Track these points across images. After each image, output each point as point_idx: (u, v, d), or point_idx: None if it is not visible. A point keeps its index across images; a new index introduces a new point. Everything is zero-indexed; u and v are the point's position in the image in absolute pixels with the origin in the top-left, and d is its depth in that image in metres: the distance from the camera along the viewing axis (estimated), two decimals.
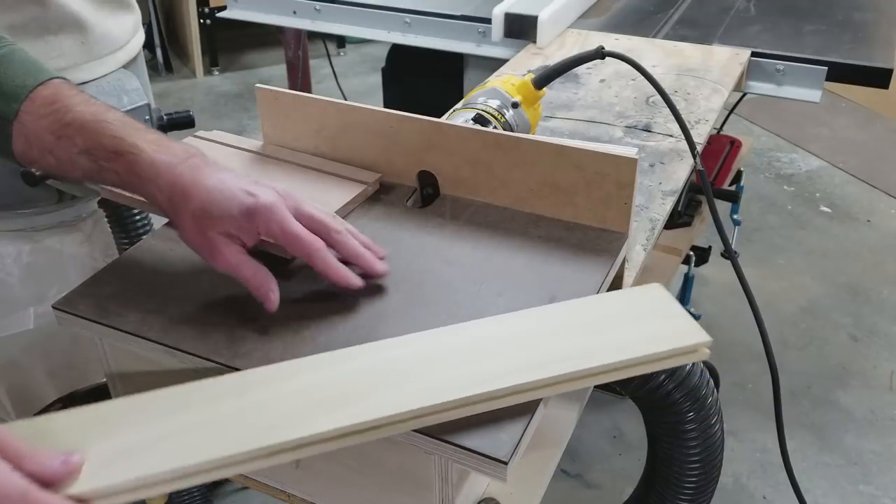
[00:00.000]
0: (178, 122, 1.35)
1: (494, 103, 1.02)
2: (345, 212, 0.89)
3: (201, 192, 0.71)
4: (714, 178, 1.89)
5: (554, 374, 0.63)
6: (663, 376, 0.83)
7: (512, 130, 1.02)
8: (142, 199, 0.77)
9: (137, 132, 0.75)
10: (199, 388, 0.63)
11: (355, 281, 0.74)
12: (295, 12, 1.82)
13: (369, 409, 0.60)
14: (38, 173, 1.17)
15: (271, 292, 0.72)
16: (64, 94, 0.76)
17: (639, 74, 1.09)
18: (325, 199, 0.89)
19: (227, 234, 0.72)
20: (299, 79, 2.81)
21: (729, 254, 1.16)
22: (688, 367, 0.84)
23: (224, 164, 0.77)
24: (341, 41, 4.33)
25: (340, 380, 0.64)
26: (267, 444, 0.58)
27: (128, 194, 0.82)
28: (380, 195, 0.94)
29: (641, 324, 0.68)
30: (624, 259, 0.87)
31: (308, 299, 0.77)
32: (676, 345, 0.65)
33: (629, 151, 0.82)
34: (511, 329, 0.69)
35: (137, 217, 1.27)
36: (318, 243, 0.73)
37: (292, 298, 0.77)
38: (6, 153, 0.77)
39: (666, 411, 0.87)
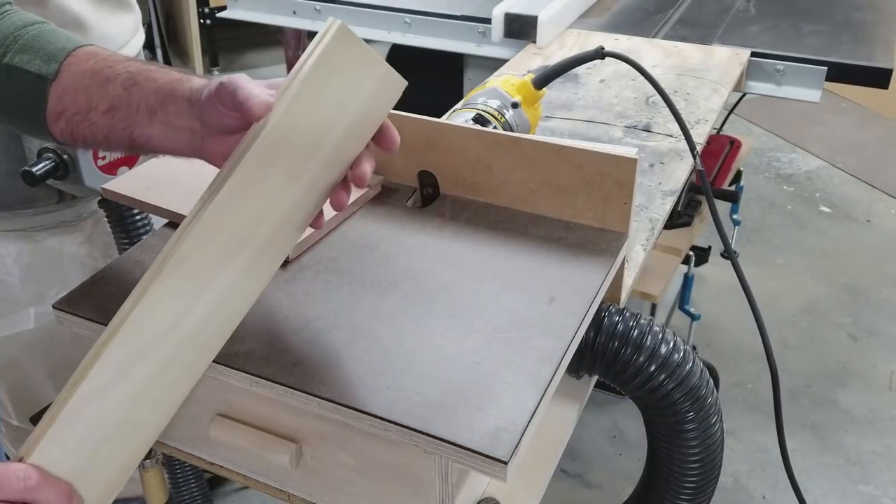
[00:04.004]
0: None
1: (494, 103, 1.02)
2: (346, 213, 0.89)
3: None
4: (714, 178, 1.89)
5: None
6: (663, 376, 0.83)
7: (512, 130, 1.02)
8: (159, 134, 0.74)
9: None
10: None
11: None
12: (295, 12, 1.82)
13: None
14: (38, 173, 1.17)
15: None
16: (106, 52, 0.77)
17: (639, 74, 1.09)
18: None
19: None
20: None
21: (729, 254, 1.17)
22: (687, 366, 0.84)
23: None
24: None
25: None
26: None
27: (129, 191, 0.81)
28: (380, 195, 0.94)
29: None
30: (624, 259, 0.87)
31: (309, 300, 0.77)
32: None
33: (629, 151, 0.82)
34: None
35: (137, 217, 1.27)
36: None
37: (291, 299, 0.77)
38: (36, 119, 0.77)
39: (666, 411, 0.87)
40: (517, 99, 1.04)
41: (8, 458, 1.36)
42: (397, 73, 0.69)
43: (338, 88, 0.65)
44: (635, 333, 0.83)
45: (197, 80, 0.72)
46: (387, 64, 0.68)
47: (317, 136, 0.66)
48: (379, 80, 0.68)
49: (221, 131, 0.69)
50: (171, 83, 0.72)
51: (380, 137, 0.72)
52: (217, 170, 0.66)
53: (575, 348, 0.74)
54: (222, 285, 0.64)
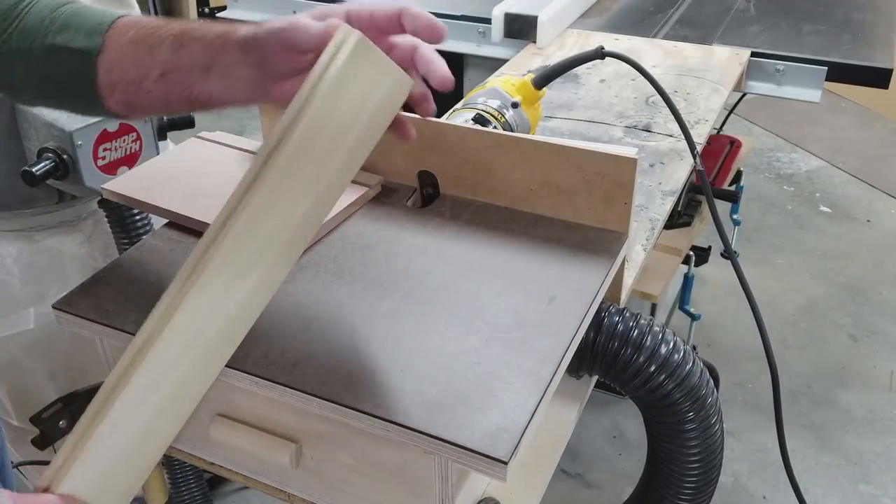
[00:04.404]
0: (178, 123, 1.35)
1: (494, 103, 1.02)
2: (346, 213, 0.89)
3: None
4: (714, 178, 1.89)
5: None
6: (663, 376, 0.83)
7: (512, 130, 1.02)
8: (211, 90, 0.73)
9: None
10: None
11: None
12: (295, 12, 1.81)
13: None
14: (38, 173, 1.17)
15: None
16: (145, 19, 0.77)
17: (639, 74, 1.09)
18: None
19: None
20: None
21: (729, 254, 1.17)
22: (687, 366, 0.84)
23: (224, 164, 0.77)
24: None
25: None
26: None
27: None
28: (380, 195, 0.94)
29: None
30: (624, 259, 0.87)
31: (309, 300, 0.77)
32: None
33: (629, 151, 0.82)
34: None
35: (137, 217, 1.27)
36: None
37: (293, 300, 0.77)
38: (88, 96, 0.77)
39: (666, 411, 0.87)
40: (517, 99, 1.04)
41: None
42: (406, 75, 0.69)
43: (354, 98, 0.66)
44: (635, 333, 0.83)
45: (242, 27, 0.72)
46: (398, 67, 0.68)
47: (334, 143, 0.66)
48: (390, 84, 0.68)
49: (288, 75, 0.69)
50: (221, 36, 0.72)
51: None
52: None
53: (575, 348, 0.75)
54: (240, 298, 0.64)
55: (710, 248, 1.95)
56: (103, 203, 1.27)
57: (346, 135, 0.66)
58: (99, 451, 0.58)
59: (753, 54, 1.52)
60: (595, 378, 0.93)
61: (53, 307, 0.78)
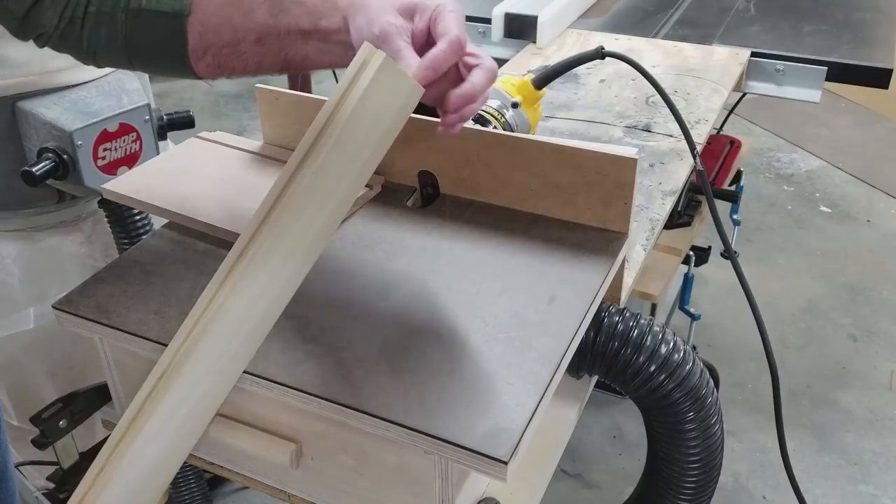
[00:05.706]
0: (178, 123, 1.35)
1: (494, 103, 1.02)
2: (347, 213, 0.89)
3: None
4: (714, 178, 1.88)
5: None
6: (663, 376, 0.83)
7: (512, 130, 1.02)
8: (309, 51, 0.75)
9: None
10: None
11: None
12: None
13: None
14: (38, 173, 1.17)
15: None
16: None
17: (639, 74, 1.09)
18: None
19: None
20: (299, 79, 2.81)
21: (729, 254, 1.17)
22: (687, 366, 0.84)
23: (224, 164, 0.77)
24: None
25: None
26: None
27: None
28: (380, 195, 0.94)
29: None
30: (624, 259, 0.87)
31: (310, 300, 0.77)
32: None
33: (629, 151, 0.82)
34: None
35: (137, 217, 1.27)
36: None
37: (294, 299, 0.77)
38: (178, 59, 0.77)
39: (666, 411, 0.87)
40: (517, 99, 1.04)
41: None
42: (419, 85, 0.70)
43: (375, 111, 0.67)
44: (635, 333, 0.83)
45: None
46: (413, 80, 0.69)
47: (355, 154, 0.68)
48: (406, 94, 0.69)
49: None
50: (325, 1, 0.73)
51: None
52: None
53: (575, 348, 0.75)
54: (261, 313, 0.66)
55: (710, 248, 1.95)
56: (103, 203, 1.27)
57: (366, 143, 0.68)
58: (123, 476, 0.59)
59: (753, 54, 1.52)
60: (595, 378, 0.93)
61: (53, 307, 0.78)
